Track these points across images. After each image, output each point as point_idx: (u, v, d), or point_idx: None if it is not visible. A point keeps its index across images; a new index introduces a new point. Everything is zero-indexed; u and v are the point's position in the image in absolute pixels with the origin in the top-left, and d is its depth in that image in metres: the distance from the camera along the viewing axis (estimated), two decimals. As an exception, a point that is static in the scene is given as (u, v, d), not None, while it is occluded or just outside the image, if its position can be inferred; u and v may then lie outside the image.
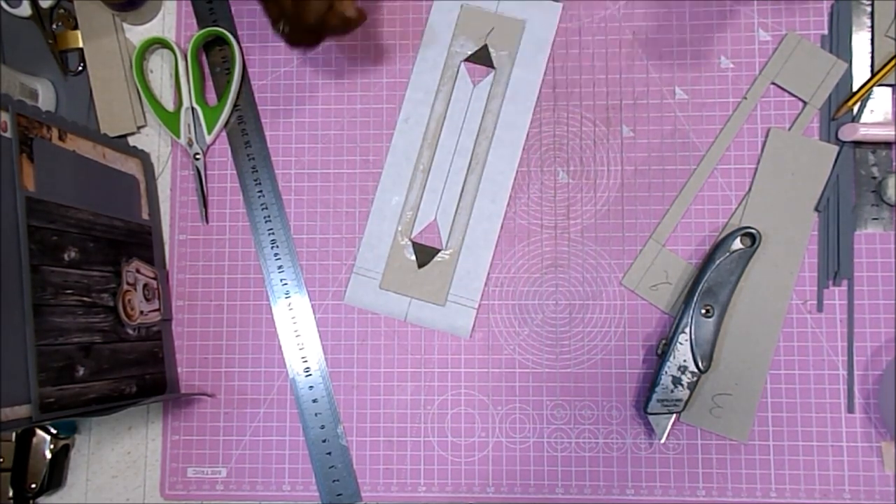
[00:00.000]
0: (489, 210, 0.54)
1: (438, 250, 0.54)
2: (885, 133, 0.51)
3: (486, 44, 0.54)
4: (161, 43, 0.57)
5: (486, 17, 0.55)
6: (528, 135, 0.55)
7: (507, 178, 0.54)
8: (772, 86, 0.54)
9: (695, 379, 0.50)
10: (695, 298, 0.50)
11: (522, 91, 0.55)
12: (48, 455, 0.53)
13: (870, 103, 0.53)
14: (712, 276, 0.50)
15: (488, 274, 0.54)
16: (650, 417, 0.51)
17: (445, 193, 0.55)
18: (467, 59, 0.55)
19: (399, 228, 0.55)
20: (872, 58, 0.53)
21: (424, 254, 0.54)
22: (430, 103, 0.55)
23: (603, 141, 0.54)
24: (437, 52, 0.55)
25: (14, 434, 0.53)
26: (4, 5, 0.57)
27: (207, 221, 0.56)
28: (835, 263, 0.52)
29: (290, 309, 0.55)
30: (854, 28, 0.53)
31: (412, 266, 0.54)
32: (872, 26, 0.53)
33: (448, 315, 0.54)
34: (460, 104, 0.55)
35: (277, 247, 0.55)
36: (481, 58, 0.55)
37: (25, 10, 0.57)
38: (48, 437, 0.53)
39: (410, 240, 0.54)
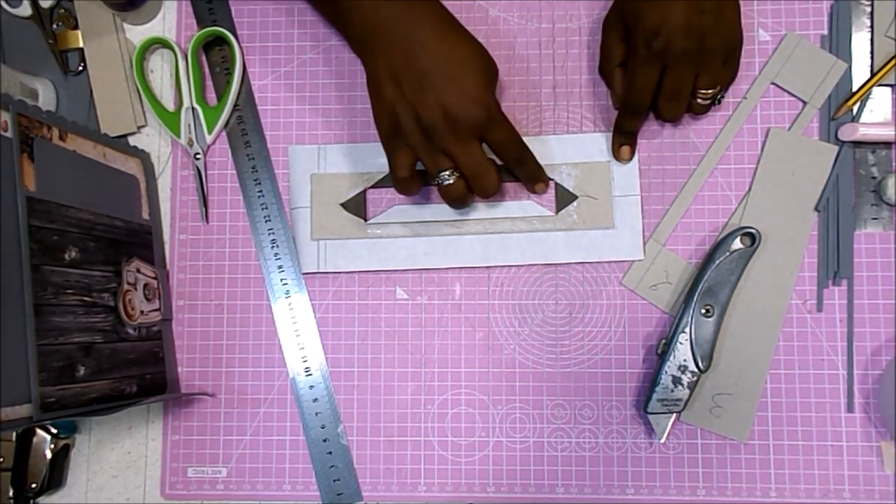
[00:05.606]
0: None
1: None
2: (884, 133, 0.51)
3: None
4: (161, 43, 0.57)
5: None
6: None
7: None
8: (772, 86, 0.54)
9: (695, 378, 0.50)
10: (695, 298, 0.50)
11: None
12: (48, 455, 0.53)
13: (869, 103, 0.53)
14: (712, 276, 0.50)
15: (489, 273, 0.54)
16: (650, 417, 0.51)
17: None
18: None
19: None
20: (872, 58, 0.53)
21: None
22: None
23: (603, 141, 0.54)
24: None
25: (14, 434, 0.53)
26: (4, 5, 0.57)
27: (207, 221, 0.56)
28: (834, 263, 0.52)
29: (291, 309, 0.55)
30: (854, 28, 0.54)
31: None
32: (872, 26, 0.53)
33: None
34: None
35: (277, 246, 0.55)
36: None
37: (25, 9, 0.57)
38: (48, 437, 0.53)
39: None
